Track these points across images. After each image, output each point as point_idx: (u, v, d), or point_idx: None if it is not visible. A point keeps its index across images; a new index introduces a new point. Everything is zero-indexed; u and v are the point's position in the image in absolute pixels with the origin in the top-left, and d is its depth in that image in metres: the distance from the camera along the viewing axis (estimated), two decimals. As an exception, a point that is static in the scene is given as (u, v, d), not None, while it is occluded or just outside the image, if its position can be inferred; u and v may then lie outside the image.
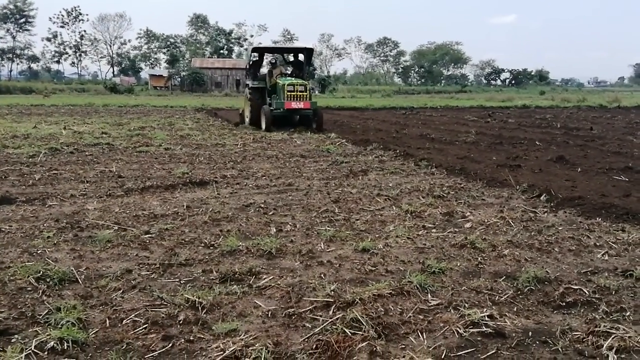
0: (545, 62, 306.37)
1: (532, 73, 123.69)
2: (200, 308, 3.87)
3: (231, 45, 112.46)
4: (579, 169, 10.01)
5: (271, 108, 18.38)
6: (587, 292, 4.14)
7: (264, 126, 18.23)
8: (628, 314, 3.80)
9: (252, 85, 19.50)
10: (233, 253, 5.10)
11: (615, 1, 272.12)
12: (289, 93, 17.86)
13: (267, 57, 23.31)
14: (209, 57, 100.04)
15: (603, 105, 38.57)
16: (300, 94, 18.00)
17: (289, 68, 21.19)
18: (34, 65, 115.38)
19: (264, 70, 21.61)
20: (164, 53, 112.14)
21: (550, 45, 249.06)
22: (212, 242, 5.43)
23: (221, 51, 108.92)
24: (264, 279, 4.46)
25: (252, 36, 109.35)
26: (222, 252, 5.13)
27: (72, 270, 4.54)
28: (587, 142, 14.61)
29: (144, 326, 3.60)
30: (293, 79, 18.68)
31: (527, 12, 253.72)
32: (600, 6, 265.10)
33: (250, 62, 20.25)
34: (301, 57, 20.44)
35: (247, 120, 20.05)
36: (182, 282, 4.41)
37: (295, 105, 17.88)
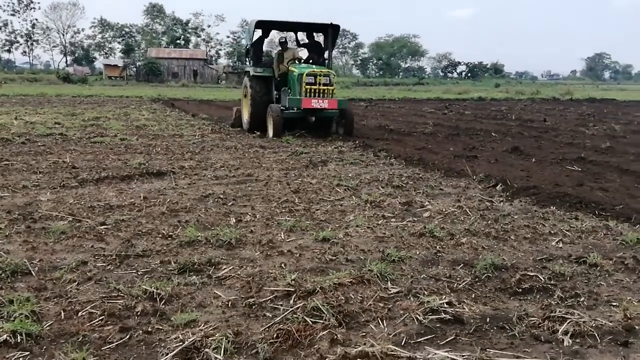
0: (500, 56, 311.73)
1: (488, 66, 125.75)
2: (158, 299, 3.80)
3: (188, 35, 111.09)
4: (534, 160, 10.23)
5: (282, 107, 13.64)
6: (542, 279, 4.23)
7: (271, 132, 13.39)
8: (582, 299, 3.90)
9: (254, 74, 14.46)
10: (192, 244, 5.03)
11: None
12: (308, 87, 13.08)
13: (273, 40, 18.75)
14: (165, 47, 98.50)
15: (556, 98, 39.50)
16: (325, 88, 13.22)
17: (302, 51, 16.03)
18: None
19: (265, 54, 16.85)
20: (119, 42, 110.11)
21: (505, 39, 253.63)
22: (170, 233, 5.34)
23: (178, 41, 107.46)
24: (224, 269, 4.41)
25: (209, 26, 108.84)
26: (181, 242, 5.05)
27: (25, 262, 4.40)
28: (541, 133, 14.95)
29: (101, 318, 3.51)
30: (313, 66, 13.86)
31: (484, 7, 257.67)
32: (554, 1, 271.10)
33: (251, 42, 15.14)
34: (319, 37, 15.69)
35: (245, 122, 15.16)
36: (139, 273, 4.33)
37: (317, 104, 12.96)
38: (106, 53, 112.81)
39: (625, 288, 4.15)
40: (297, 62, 14.46)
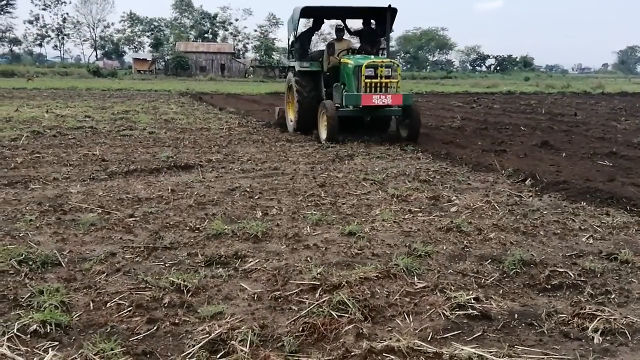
0: (530, 49, 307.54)
1: (517, 59, 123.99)
2: (185, 291, 3.83)
3: (216, 29, 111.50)
4: (564, 154, 10.06)
5: (336, 104, 11.65)
6: (572, 275, 4.16)
7: (324, 134, 11.57)
8: (613, 296, 3.82)
9: (301, 69, 12.70)
10: (218, 236, 5.06)
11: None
12: (368, 81, 11.14)
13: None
14: (193, 41, 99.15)
15: (587, 92, 38.74)
16: (387, 81, 11.30)
17: (352, 41, 14.45)
18: (15, 49, 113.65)
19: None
20: (148, 37, 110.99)
21: (535, 32, 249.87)
22: (197, 226, 5.38)
23: (205, 35, 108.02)
24: (250, 262, 4.43)
25: (237, 20, 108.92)
26: (208, 235, 5.09)
27: (55, 253, 4.47)
28: (571, 127, 14.69)
29: (129, 309, 3.56)
30: (371, 56, 12.05)
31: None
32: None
33: (295, 34, 13.21)
34: (372, 23, 13.56)
35: (291, 123, 13.44)
36: (167, 265, 4.37)
37: (378, 100, 11.08)
38: (135, 47, 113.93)
39: (658, 286, 4.05)
40: (349, 53, 12.60)
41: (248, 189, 6.99)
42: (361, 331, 3.28)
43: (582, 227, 5.47)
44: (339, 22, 13.50)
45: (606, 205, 6.31)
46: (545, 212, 6.02)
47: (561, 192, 6.88)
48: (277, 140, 11.96)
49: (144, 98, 26.52)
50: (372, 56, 12.13)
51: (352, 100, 11.28)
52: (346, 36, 13.59)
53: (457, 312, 3.53)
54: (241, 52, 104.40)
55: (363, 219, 5.73)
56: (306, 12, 12.74)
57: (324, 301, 3.65)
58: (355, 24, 14.20)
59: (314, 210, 6.01)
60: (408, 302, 3.71)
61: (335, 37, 13.26)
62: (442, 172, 8.28)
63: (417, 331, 3.32)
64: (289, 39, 13.83)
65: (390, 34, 13.18)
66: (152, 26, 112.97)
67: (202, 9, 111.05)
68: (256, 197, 6.66)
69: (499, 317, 3.51)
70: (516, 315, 3.53)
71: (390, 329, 3.36)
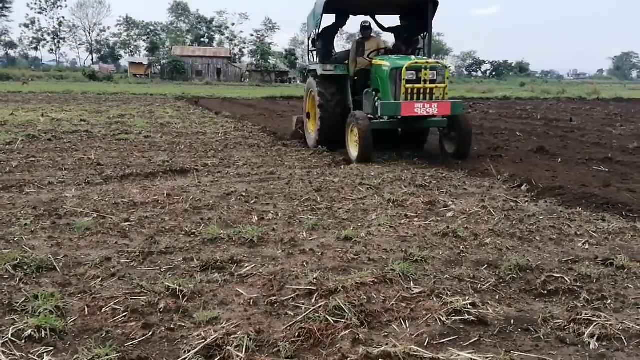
0: (526, 55, 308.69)
1: (513, 65, 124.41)
2: (181, 296, 3.81)
3: (212, 33, 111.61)
4: (559, 160, 10.08)
5: (368, 114, 10.06)
6: (568, 281, 4.16)
7: (355, 152, 9.74)
8: (609, 302, 3.82)
9: (324, 73, 10.81)
10: (214, 241, 5.04)
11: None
12: (409, 86, 9.39)
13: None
14: (189, 46, 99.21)
15: (582, 97, 38.90)
16: (433, 87, 9.55)
17: (383, 39, 12.20)
18: (11, 52, 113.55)
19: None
20: (144, 41, 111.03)
21: (530, 38, 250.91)
22: (193, 231, 5.36)
23: (202, 39, 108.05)
24: (246, 267, 4.42)
25: (233, 24, 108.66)
26: (203, 240, 5.07)
27: (50, 258, 4.45)
28: (567, 133, 14.73)
29: (124, 314, 3.54)
30: (412, 57, 10.30)
31: (508, 4, 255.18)
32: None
33: (317, 32, 11.30)
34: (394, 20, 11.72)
35: (312, 136, 11.49)
36: (162, 270, 4.35)
37: (421, 109, 9.31)
38: (131, 51, 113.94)
39: (654, 291, 4.06)
40: (381, 53, 10.73)
41: (244, 194, 6.98)
42: (357, 336, 3.26)
43: (578, 233, 5.47)
44: (366, 18, 11.44)
45: (602, 210, 6.32)
46: (541, 218, 6.02)
47: (557, 198, 6.88)
48: (273, 144, 11.95)
49: (140, 102, 26.48)
50: (413, 57, 10.41)
51: (389, 110, 9.52)
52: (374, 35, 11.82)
53: (454, 318, 3.52)
54: (237, 57, 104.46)
55: (359, 224, 5.72)
56: (331, 5, 10.74)
57: (320, 306, 3.64)
58: (385, 20, 12.09)
59: (310, 215, 6.00)
60: (404, 308, 3.70)
61: (361, 35, 11.32)
62: (438, 177, 8.28)
63: (413, 336, 3.31)
64: (309, 38, 12.00)
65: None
66: (148, 30, 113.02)
67: (198, 13, 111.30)
68: (252, 201, 6.65)
69: (495, 322, 3.51)
70: (512, 321, 3.52)
71: (386, 334, 3.35)
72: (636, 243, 5.17)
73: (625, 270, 4.42)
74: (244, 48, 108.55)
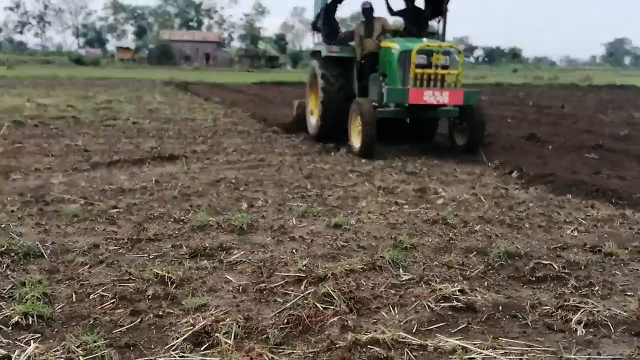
0: (519, 41, 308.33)
1: (506, 51, 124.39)
2: (169, 283, 3.80)
3: (201, 17, 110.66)
4: (550, 147, 10.10)
5: (374, 102, 9.27)
6: (556, 267, 4.18)
7: (357, 143, 8.99)
8: (597, 288, 3.85)
9: (329, 54, 9.96)
10: (203, 228, 5.02)
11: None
12: (419, 71, 8.64)
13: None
14: (177, 30, 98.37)
15: (575, 84, 38.94)
16: (445, 73, 8.78)
17: (392, 18, 10.84)
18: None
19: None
20: (132, 25, 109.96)
21: (523, 23, 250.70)
22: (182, 217, 5.34)
23: (190, 23, 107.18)
24: (235, 254, 4.40)
25: (222, 8, 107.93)
26: (192, 227, 5.05)
27: (37, 244, 4.41)
28: (558, 119, 14.75)
29: (112, 301, 3.52)
30: (424, 39, 9.41)
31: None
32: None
33: (325, 7, 10.30)
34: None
35: (314, 123, 10.59)
36: (150, 257, 4.33)
37: (431, 97, 8.52)
38: (118, 35, 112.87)
39: (641, 278, 4.08)
40: (389, 35, 10.06)
41: (233, 181, 6.95)
42: (346, 323, 3.27)
43: (567, 220, 5.50)
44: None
45: (591, 198, 6.34)
46: (530, 205, 6.04)
47: (547, 185, 6.91)
48: (263, 131, 11.89)
49: (128, 87, 26.26)
50: (425, 39, 9.46)
51: (395, 96, 8.81)
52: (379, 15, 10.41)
53: (442, 304, 3.53)
54: (227, 42, 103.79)
55: (349, 211, 5.71)
56: None
57: (309, 293, 3.64)
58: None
59: (300, 202, 5.99)
60: (393, 294, 3.71)
61: (363, 18, 10.19)
62: (429, 165, 8.28)
63: (402, 323, 3.32)
64: (315, 14, 10.88)
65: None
66: (136, 14, 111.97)
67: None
68: (242, 188, 6.62)
69: (484, 309, 3.52)
70: (500, 307, 3.54)
71: (375, 321, 3.35)
72: (624, 230, 5.20)
73: (613, 257, 4.45)
74: (233, 32, 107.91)
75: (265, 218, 5.41)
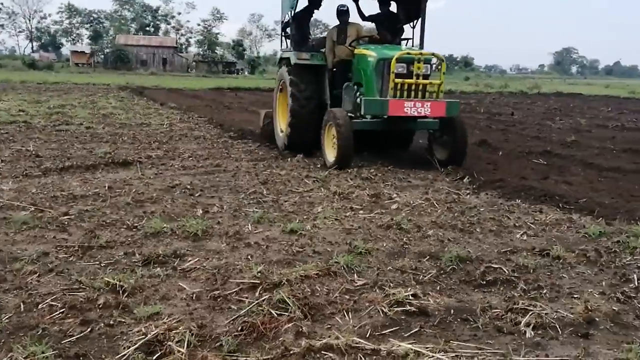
0: (471, 49, 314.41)
1: (458, 59, 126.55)
2: (121, 291, 3.74)
3: (158, 22, 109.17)
4: (500, 153, 10.34)
5: (349, 112, 8.76)
6: (506, 271, 4.28)
7: (331, 157, 8.45)
8: (545, 291, 3.95)
9: (298, 62, 9.47)
10: (157, 235, 4.96)
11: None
12: (399, 81, 8.08)
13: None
14: (134, 35, 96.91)
15: (524, 92, 39.89)
16: (426, 83, 8.32)
17: (365, 25, 10.28)
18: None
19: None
20: (87, 29, 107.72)
21: (476, 32, 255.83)
22: (135, 224, 5.26)
23: (147, 28, 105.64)
24: (189, 261, 4.37)
25: (179, 14, 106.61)
26: (146, 234, 4.98)
27: (-17, 253, 4.29)
28: (508, 126, 15.12)
29: (61, 311, 3.45)
30: (402, 47, 9.25)
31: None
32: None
33: (292, 14, 9.79)
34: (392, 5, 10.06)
35: (282, 133, 10.04)
36: (102, 265, 4.26)
37: (412, 109, 8.06)
38: (73, 39, 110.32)
39: (587, 280, 4.21)
40: (364, 42, 9.38)
41: (188, 186, 6.89)
42: (301, 329, 3.28)
43: (517, 224, 5.63)
44: (344, 2, 9.80)
45: (540, 202, 6.52)
46: (482, 210, 6.17)
47: (497, 190, 7.06)
48: (219, 136, 11.83)
49: (82, 92, 25.73)
50: (404, 46, 9.23)
51: (373, 108, 8.22)
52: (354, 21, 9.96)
53: (396, 309, 3.58)
54: (184, 47, 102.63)
55: (305, 217, 5.73)
56: None
57: (263, 300, 3.64)
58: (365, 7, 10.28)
59: (256, 208, 5.97)
60: (348, 300, 3.74)
61: (338, 22, 9.69)
62: (384, 170, 8.36)
63: (356, 328, 3.34)
64: (282, 21, 10.47)
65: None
66: (91, 18, 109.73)
67: (143, 1, 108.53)
68: (197, 194, 6.57)
69: (436, 313, 3.58)
70: (452, 311, 3.60)
71: (329, 326, 3.37)
72: (571, 234, 5.36)
73: (561, 260, 4.58)
74: (190, 38, 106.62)
75: (221, 224, 5.38)
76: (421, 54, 8.26)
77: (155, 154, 9.27)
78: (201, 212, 5.80)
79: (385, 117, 8.25)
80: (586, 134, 13.80)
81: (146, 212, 5.72)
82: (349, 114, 8.59)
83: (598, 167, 8.96)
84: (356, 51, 9.06)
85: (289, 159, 9.15)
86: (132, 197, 6.28)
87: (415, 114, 8.08)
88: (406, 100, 8.07)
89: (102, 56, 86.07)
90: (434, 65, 8.62)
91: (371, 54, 8.62)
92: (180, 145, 10.34)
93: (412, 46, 9.61)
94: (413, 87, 8.15)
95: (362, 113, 8.36)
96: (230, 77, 60.69)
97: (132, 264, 4.28)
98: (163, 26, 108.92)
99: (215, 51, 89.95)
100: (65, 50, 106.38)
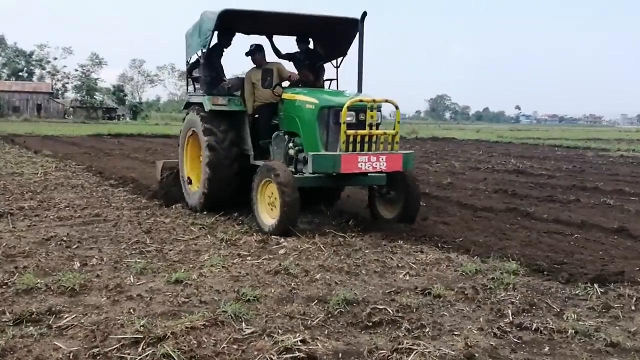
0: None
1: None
2: (-12, 355, 3.45)
3: (32, 67, 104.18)
4: (383, 195, 10.65)
5: (291, 169, 7.57)
6: (391, 311, 4.39)
7: (271, 220, 7.18)
8: (427, 330, 4.08)
9: (214, 107, 8.27)
10: (30, 291, 4.65)
11: (413, 41, 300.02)
12: (350, 132, 7.06)
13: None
14: (5, 80, 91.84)
15: (402, 137, 41.74)
16: (380, 134, 7.38)
17: (285, 63, 9.02)
18: None
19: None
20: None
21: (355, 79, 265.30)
22: (6, 281, 4.91)
23: (20, 73, 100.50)
24: (66, 318, 4.12)
25: (55, 58, 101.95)
26: (17, 290, 4.66)
27: None
28: (389, 170, 15.64)
29: None
30: (346, 92, 8.11)
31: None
32: (399, 44, 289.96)
33: (204, 53, 8.48)
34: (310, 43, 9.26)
35: (195, 195, 8.64)
36: (-33, 327, 3.91)
37: (366, 164, 7.08)
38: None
39: (466, 317, 4.41)
40: (293, 86, 8.58)
41: (65, 238, 6.54)
42: (187, 384, 3.17)
43: (400, 265, 5.82)
44: (258, 39, 9.02)
45: (420, 243, 6.78)
46: (367, 252, 6.32)
47: (380, 232, 7.25)
48: (99, 184, 11.35)
49: (-55, 140, 23.89)
50: (347, 91, 8.22)
51: (324, 165, 7.08)
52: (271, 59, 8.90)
53: (285, 356, 3.56)
54: (60, 92, 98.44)
55: (191, 265, 5.60)
56: (226, 19, 8.04)
57: (147, 355, 3.50)
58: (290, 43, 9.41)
59: (139, 259, 5.76)
60: (236, 350, 3.67)
61: (255, 64, 8.64)
62: (270, 215, 8.34)
63: (244, 378, 3.28)
64: (187, 61, 9.38)
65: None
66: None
67: (16, 46, 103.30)
68: (74, 246, 6.25)
69: (325, 357, 3.59)
70: (340, 355, 3.63)
71: (217, 378, 3.28)
72: (450, 272, 5.61)
73: (441, 298, 4.77)
74: (67, 83, 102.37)
75: (100, 277, 5.13)
76: (374, 100, 7.25)
77: (28, 204, 8.73)
78: (79, 265, 5.52)
79: (338, 174, 7.24)
80: (460, 176, 14.61)
81: (18, 267, 5.35)
82: (291, 169, 7.52)
83: (472, 207, 9.48)
84: (285, 96, 8.01)
85: (173, 207, 8.93)
86: (2, 251, 5.87)
87: (370, 169, 7.14)
88: (359, 154, 7.09)
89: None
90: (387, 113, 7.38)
91: (309, 99, 7.52)
92: (55, 195, 9.82)
93: (337, 88, 9.01)
94: (366, 139, 7.21)
95: (311, 171, 7.15)
96: (110, 123, 58.74)
97: (2, 324, 3.97)
98: (38, 71, 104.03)
99: (95, 97, 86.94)
100: None
